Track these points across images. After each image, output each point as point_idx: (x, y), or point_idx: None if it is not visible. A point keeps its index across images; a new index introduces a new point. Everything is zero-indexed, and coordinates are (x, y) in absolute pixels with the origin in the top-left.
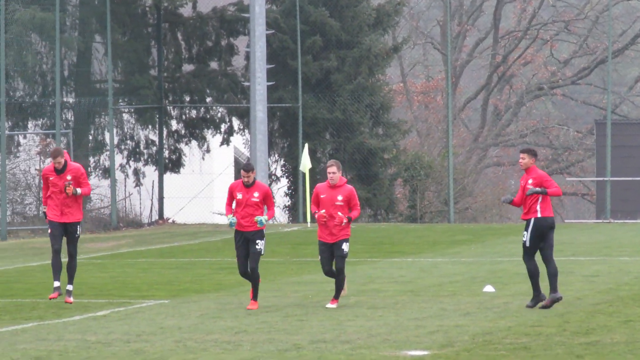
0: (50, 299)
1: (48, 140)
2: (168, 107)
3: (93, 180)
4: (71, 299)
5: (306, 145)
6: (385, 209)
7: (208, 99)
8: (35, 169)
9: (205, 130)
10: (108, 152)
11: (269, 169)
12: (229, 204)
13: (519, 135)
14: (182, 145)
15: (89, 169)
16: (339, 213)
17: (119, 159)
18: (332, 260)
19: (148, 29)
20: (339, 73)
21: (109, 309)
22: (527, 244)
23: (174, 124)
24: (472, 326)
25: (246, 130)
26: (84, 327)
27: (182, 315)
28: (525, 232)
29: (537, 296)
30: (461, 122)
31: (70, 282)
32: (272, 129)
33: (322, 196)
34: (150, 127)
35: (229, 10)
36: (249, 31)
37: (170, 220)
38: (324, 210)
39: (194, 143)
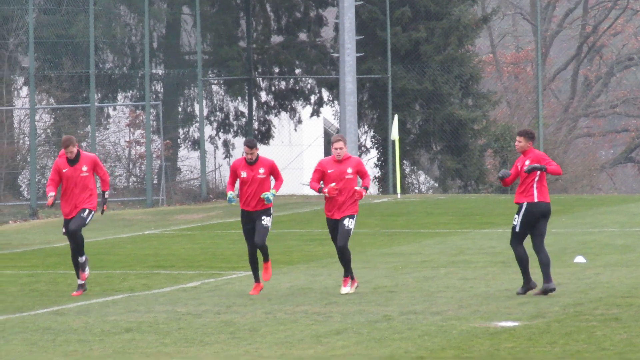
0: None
1: (137, 112)
2: (257, 78)
3: (182, 152)
4: (86, 273)
5: (396, 116)
6: (475, 180)
7: (297, 71)
8: (125, 141)
9: (295, 101)
10: (197, 124)
11: (359, 140)
12: (231, 183)
13: (609, 106)
14: (271, 117)
15: (179, 140)
16: (356, 188)
17: (209, 130)
18: None
19: (237, 1)
20: (428, 44)
21: (199, 281)
22: (517, 229)
23: (263, 96)
24: (562, 297)
25: (335, 102)
26: (174, 298)
27: (272, 286)
28: (516, 216)
29: (527, 283)
30: (551, 93)
31: (81, 254)
32: (362, 100)
33: (329, 171)
34: (239, 98)
35: None
36: (338, 2)
37: None
38: (334, 184)
39: (283, 114)
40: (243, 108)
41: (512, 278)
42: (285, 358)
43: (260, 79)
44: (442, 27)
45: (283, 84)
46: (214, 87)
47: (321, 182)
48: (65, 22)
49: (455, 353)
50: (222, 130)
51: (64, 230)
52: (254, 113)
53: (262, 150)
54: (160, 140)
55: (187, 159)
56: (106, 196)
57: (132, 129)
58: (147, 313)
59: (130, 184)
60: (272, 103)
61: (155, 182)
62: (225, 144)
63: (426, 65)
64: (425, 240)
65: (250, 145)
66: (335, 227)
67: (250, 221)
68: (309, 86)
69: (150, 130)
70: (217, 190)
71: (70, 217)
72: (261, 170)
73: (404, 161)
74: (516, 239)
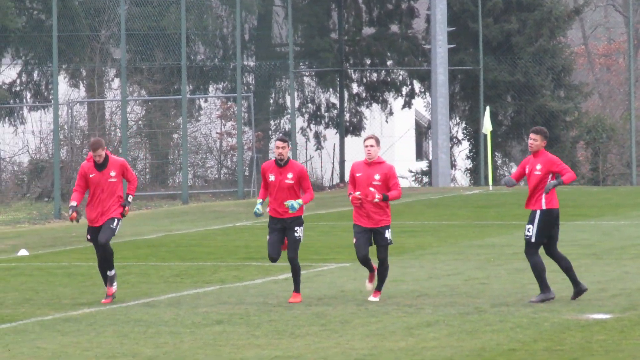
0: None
1: (229, 104)
2: (349, 70)
3: (274, 144)
4: (114, 288)
5: (487, 107)
6: None
7: (389, 62)
8: (217, 133)
9: (387, 93)
10: (289, 116)
11: (450, 132)
12: (264, 187)
13: None
14: (362, 109)
15: (270, 132)
16: (371, 189)
17: (300, 122)
18: (369, 245)
19: None
20: (519, 35)
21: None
22: (533, 239)
23: (355, 87)
24: None
25: (427, 94)
26: (265, 290)
27: (363, 278)
28: (530, 226)
29: (546, 291)
30: None
31: (110, 267)
32: (453, 91)
33: (357, 175)
34: (331, 90)
35: None
36: None
37: None
38: (359, 192)
39: (374, 106)
40: (334, 100)
41: (604, 270)
42: (376, 350)
43: (352, 70)
44: (534, 18)
45: (374, 76)
46: (306, 79)
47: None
48: (156, 14)
49: (546, 345)
50: (313, 122)
51: (88, 237)
52: (345, 105)
53: (353, 142)
54: (252, 132)
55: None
56: (129, 199)
57: (223, 121)
58: (238, 305)
59: (222, 175)
60: (364, 95)
61: (246, 173)
62: (317, 135)
63: (518, 56)
64: (516, 232)
65: (282, 139)
66: (364, 234)
67: (277, 230)
68: (400, 78)
69: (241, 122)
70: None
71: (95, 225)
72: (289, 176)
73: (496, 153)
74: (532, 249)
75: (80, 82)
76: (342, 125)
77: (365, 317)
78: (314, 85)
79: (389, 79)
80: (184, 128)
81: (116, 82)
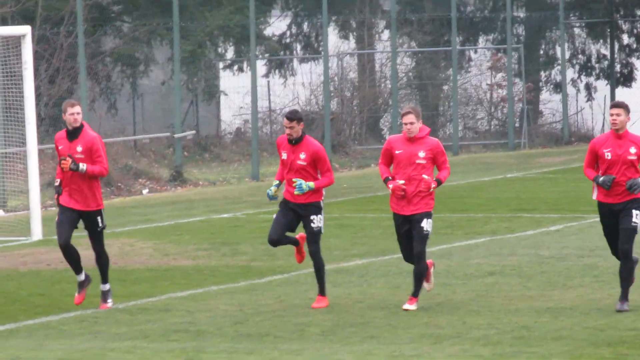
0: (75, 303)
1: (499, 55)
2: (619, 21)
3: (544, 95)
4: (108, 304)
5: None
6: None
7: None
8: (487, 84)
9: None
10: (559, 67)
11: None
12: (282, 164)
13: None
14: (633, 59)
15: (540, 83)
16: (424, 176)
17: (570, 73)
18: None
19: None
20: None
21: (562, 224)
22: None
23: (625, 38)
24: None
25: None
26: (537, 241)
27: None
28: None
29: None
30: None
31: (104, 280)
32: None
33: (397, 152)
34: (601, 41)
35: None
36: None
37: None
38: (402, 181)
39: None
40: (605, 51)
41: None
42: None
43: (622, 21)
44: None
45: None
46: (576, 30)
47: (391, 168)
48: None
49: None
50: (584, 74)
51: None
52: (615, 56)
53: (625, 93)
54: (522, 84)
55: (549, 102)
56: (83, 168)
57: (493, 72)
58: (510, 256)
59: (492, 127)
60: (634, 45)
61: (516, 125)
62: (587, 87)
63: None
64: None
65: (290, 118)
66: (403, 225)
67: (288, 214)
68: None
69: (512, 74)
70: (579, 133)
71: (64, 205)
72: (302, 156)
73: None
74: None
75: (350, 33)
76: (613, 76)
77: None
78: (584, 36)
79: None
80: (454, 80)
81: (386, 34)
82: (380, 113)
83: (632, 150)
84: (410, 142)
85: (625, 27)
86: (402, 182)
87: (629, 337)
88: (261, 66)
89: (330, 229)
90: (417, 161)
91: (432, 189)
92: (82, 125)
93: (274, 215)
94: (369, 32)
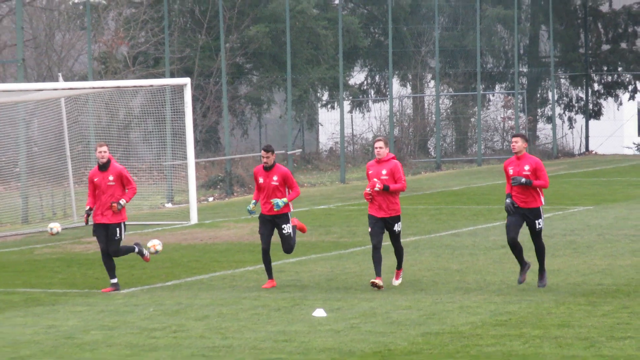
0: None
1: (509, 97)
2: (592, 74)
3: (540, 125)
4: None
5: None
6: None
7: (619, 69)
8: (501, 117)
9: (618, 90)
10: (550, 105)
11: None
12: (257, 188)
13: None
14: (601, 100)
15: (537, 117)
16: (374, 179)
17: (558, 110)
18: (382, 233)
19: (578, 21)
20: None
21: (551, 213)
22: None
23: (596, 86)
24: None
25: None
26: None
27: (602, 217)
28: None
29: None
30: None
31: (111, 276)
32: None
33: (369, 172)
34: (579, 88)
35: (633, 7)
36: None
37: (593, 152)
38: (369, 189)
39: (609, 99)
40: (582, 94)
41: None
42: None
43: (594, 74)
44: None
45: (609, 78)
46: (562, 80)
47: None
48: (460, 36)
49: None
50: (567, 110)
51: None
52: (589, 98)
53: (595, 124)
54: (525, 117)
55: (543, 129)
56: (123, 204)
57: (505, 109)
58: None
59: (504, 146)
60: (602, 91)
61: None
62: (569, 119)
63: None
64: None
65: (266, 149)
66: (377, 224)
67: (266, 225)
68: (627, 79)
69: (518, 110)
70: (564, 151)
71: (96, 222)
72: (275, 178)
73: None
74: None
75: (407, 82)
76: (587, 112)
77: (603, 243)
78: (568, 84)
79: (619, 80)
80: (478, 114)
81: (432, 83)
82: (427, 137)
83: (526, 167)
84: (378, 164)
85: (596, 78)
86: (368, 189)
87: (598, 290)
88: (346, 105)
89: None
90: (382, 177)
91: (376, 188)
92: (109, 160)
93: (258, 229)
94: (420, 82)
